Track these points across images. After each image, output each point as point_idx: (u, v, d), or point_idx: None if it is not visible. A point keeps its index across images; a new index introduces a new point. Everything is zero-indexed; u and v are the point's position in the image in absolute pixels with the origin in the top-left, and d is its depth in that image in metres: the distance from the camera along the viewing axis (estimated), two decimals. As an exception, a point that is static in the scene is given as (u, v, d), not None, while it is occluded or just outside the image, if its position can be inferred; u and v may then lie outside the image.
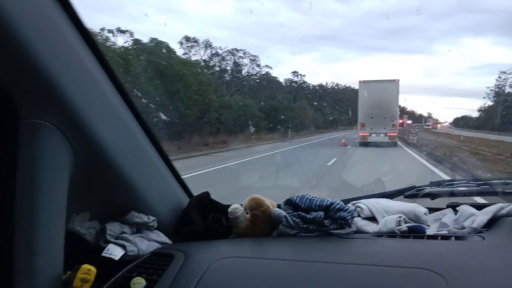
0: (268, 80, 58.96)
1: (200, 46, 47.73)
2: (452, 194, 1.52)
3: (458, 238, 1.20)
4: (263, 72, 57.33)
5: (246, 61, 53.82)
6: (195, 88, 23.68)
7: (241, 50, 53.53)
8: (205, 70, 37.40)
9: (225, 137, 28.41)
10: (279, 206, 1.38)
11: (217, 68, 50.50)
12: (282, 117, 42.30)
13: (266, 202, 1.34)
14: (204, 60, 47.34)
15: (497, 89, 77.81)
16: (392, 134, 26.19)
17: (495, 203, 1.38)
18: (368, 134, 26.31)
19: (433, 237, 1.23)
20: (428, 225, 1.38)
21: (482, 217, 1.32)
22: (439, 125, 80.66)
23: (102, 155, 1.05)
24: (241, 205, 1.38)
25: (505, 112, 71.78)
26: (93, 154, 1.02)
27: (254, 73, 55.98)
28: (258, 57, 54.83)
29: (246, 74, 55.29)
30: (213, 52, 49.82)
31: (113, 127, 1.10)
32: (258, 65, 55.25)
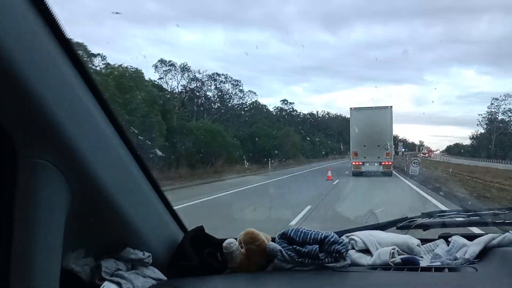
0: (257, 109, 57.57)
1: (177, 70, 45.01)
2: (444, 225, 1.54)
3: (451, 269, 1.22)
4: (251, 101, 55.71)
5: (228, 86, 51.17)
6: (132, 107, 19.33)
7: (222, 74, 51.15)
8: (160, 90, 33.02)
9: (185, 169, 23.79)
10: (273, 240, 1.39)
11: (196, 93, 47.27)
12: (264, 145, 38.60)
13: (261, 236, 1.34)
14: (171, 84, 43.47)
15: (489, 116, 77.84)
16: (386, 163, 24.93)
17: (486, 233, 1.40)
18: (361, 163, 25.05)
19: (427, 269, 1.24)
20: (422, 257, 1.39)
21: (474, 248, 1.34)
22: (432, 153, 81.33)
23: (99, 192, 1.05)
24: (236, 239, 1.38)
25: (503, 139, 72.13)
26: (90, 191, 1.03)
27: (239, 101, 53.08)
28: (240, 82, 52.63)
29: (228, 99, 52.20)
30: (191, 76, 46.82)
31: (110, 163, 1.11)
32: (241, 91, 52.97)
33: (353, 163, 25.42)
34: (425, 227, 1.55)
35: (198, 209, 11.28)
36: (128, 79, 21.17)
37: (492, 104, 76.72)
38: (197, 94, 48.60)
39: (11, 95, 0.83)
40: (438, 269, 1.23)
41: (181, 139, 25.85)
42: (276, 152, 43.06)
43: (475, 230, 2.03)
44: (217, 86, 50.71)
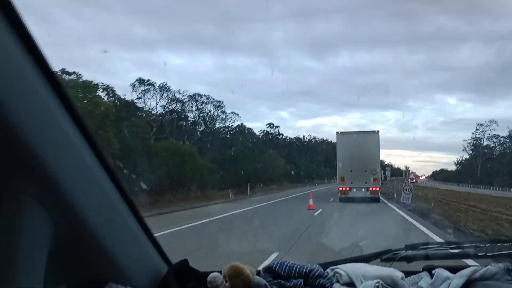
0: (242, 132, 56.84)
1: (156, 90, 43.36)
2: (427, 257, 1.55)
3: None
4: (234, 123, 54.71)
5: (210, 107, 49.65)
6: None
7: (204, 95, 49.63)
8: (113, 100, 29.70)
9: (144, 196, 18.96)
10: (258, 273, 1.38)
11: (176, 114, 45.14)
12: (243, 169, 35.74)
13: (246, 270, 1.34)
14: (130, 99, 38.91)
15: (474, 142, 79.53)
16: (374, 188, 24.34)
17: (470, 266, 1.42)
18: (348, 188, 24.48)
19: None
20: None
21: (457, 281, 1.35)
22: (418, 179, 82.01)
23: (82, 227, 1.04)
24: (220, 272, 1.37)
25: (489, 165, 73.19)
26: (73, 227, 1.02)
27: (221, 123, 51.19)
28: (223, 103, 51.46)
29: (210, 121, 50.20)
30: (171, 96, 45.09)
31: (93, 196, 1.10)
32: (224, 112, 51.50)
33: (340, 188, 24.84)
34: (409, 259, 1.56)
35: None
36: (78, 90, 19.47)
37: (477, 129, 78.51)
38: (178, 115, 46.85)
39: None
40: None
41: (141, 161, 21.20)
42: (257, 176, 40.64)
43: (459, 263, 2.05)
44: (199, 107, 49.33)
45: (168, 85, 45.10)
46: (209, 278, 1.33)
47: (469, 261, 1.69)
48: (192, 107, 48.78)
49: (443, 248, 1.60)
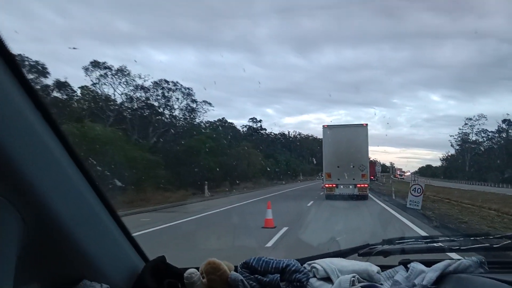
0: (223, 127, 53.87)
1: (114, 73, 36.92)
2: (403, 251, 1.57)
3: None
4: (217, 118, 51.34)
5: (178, 95, 42.92)
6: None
7: (171, 81, 42.67)
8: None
9: None
10: (236, 269, 1.39)
11: (137, 103, 38.99)
12: (202, 164, 30.41)
13: (222, 266, 1.34)
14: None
15: (463, 136, 77.32)
16: (362, 185, 22.77)
17: (445, 259, 1.45)
18: (334, 185, 22.96)
19: None
20: (381, 284, 1.41)
21: (431, 274, 1.37)
22: (404, 175, 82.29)
23: (54, 224, 1.03)
24: (198, 269, 1.37)
25: (479, 160, 71.02)
26: (44, 224, 1.01)
27: (192, 113, 44.97)
28: (192, 90, 44.20)
29: (183, 112, 44.19)
30: (131, 82, 38.19)
31: (66, 194, 1.09)
32: (195, 101, 44.70)
33: (326, 185, 23.40)
34: (385, 253, 1.58)
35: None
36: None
37: (466, 124, 76.72)
38: (141, 104, 40.84)
39: None
40: None
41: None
42: (224, 174, 35.03)
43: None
44: (165, 95, 42.47)
45: (127, 68, 38.17)
46: (185, 274, 1.32)
47: (445, 255, 1.72)
48: (157, 95, 42.29)
49: (419, 242, 1.62)
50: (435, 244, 1.60)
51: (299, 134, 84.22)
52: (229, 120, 60.12)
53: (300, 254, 1.62)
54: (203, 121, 48.50)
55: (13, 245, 0.94)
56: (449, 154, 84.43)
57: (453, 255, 1.69)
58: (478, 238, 1.57)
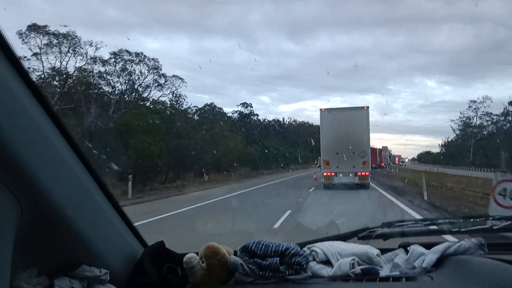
0: (212, 112, 49.73)
1: (59, 42, 28.03)
2: (403, 234, 1.57)
3: (408, 279, 1.24)
4: (204, 103, 45.75)
5: (142, 68, 34.54)
6: None
7: (134, 52, 34.01)
8: None
9: None
10: (235, 253, 1.38)
11: (92, 78, 30.78)
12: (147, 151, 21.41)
13: (222, 250, 1.33)
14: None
15: (466, 120, 72.39)
16: (363, 173, 20.76)
17: (444, 242, 1.44)
18: (333, 174, 21.02)
19: (385, 279, 1.27)
20: (381, 266, 1.42)
21: (431, 256, 1.37)
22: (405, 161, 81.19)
23: (51, 208, 1.02)
24: (197, 253, 1.37)
25: (481, 145, 65.39)
26: (41, 208, 1.00)
27: (160, 90, 36.10)
28: (158, 61, 35.24)
29: (146, 89, 35.23)
30: (81, 51, 28.93)
31: (63, 179, 1.08)
32: (163, 75, 35.91)
33: (324, 173, 21.39)
34: (385, 236, 1.57)
35: None
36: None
37: (470, 106, 72.02)
38: (96, 79, 32.64)
39: None
40: (396, 279, 1.26)
41: None
42: (174, 161, 26.60)
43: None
44: (127, 67, 33.87)
45: (76, 34, 29.26)
46: (185, 259, 1.32)
47: (444, 237, 1.72)
48: (117, 68, 33.67)
49: (419, 225, 1.62)
50: (435, 227, 1.60)
51: (294, 120, 79.88)
52: (221, 107, 55.70)
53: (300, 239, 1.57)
54: (191, 106, 43.21)
55: (10, 230, 0.93)
56: (449, 139, 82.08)
57: (452, 238, 1.69)
58: (477, 219, 1.56)
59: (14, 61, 0.92)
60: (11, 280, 0.97)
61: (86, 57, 30.26)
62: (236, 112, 60.39)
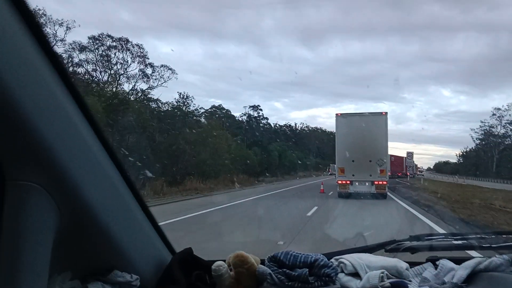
0: (218, 114, 48.06)
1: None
2: (431, 248, 1.55)
3: None
4: (211, 105, 43.97)
5: (126, 56, 31.65)
6: None
7: (116, 38, 30.52)
8: None
9: None
10: (263, 262, 1.38)
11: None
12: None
13: (250, 259, 1.33)
14: None
15: (488, 129, 67.41)
16: (380, 182, 19.79)
17: (473, 257, 1.42)
18: (349, 182, 20.10)
19: None
20: (410, 280, 1.40)
21: (462, 272, 1.35)
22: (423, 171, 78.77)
23: (88, 214, 1.04)
24: (225, 261, 1.37)
25: (507, 155, 60.46)
26: (78, 213, 1.01)
27: (149, 81, 33.01)
28: (143, 46, 32.19)
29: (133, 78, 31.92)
30: (50, 32, 26.04)
31: (99, 185, 1.10)
32: (150, 65, 32.71)
33: (339, 181, 20.46)
34: (413, 250, 1.55)
35: None
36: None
37: (494, 114, 67.21)
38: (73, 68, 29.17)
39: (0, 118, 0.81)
40: None
41: None
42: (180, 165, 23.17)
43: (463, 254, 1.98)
44: (107, 54, 30.56)
45: (45, 12, 26.68)
46: (213, 266, 1.32)
47: (473, 253, 1.69)
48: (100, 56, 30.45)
49: (447, 239, 1.60)
50: (464, 242, 1.57)
51: (307, 126, 77.70)
52: (229, 110, 53.04)
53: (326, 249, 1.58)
54: (198, 107, 41.17)
55: (49, 233, 0.95)
56: (468, 149, 78.76)
57: (481, 253, 1.66)
58: (509, 235, 1.53)
59: (54, 61, 0.93)
60: (47, 283, 0.99)
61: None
62: (244, 114, 58.58)
